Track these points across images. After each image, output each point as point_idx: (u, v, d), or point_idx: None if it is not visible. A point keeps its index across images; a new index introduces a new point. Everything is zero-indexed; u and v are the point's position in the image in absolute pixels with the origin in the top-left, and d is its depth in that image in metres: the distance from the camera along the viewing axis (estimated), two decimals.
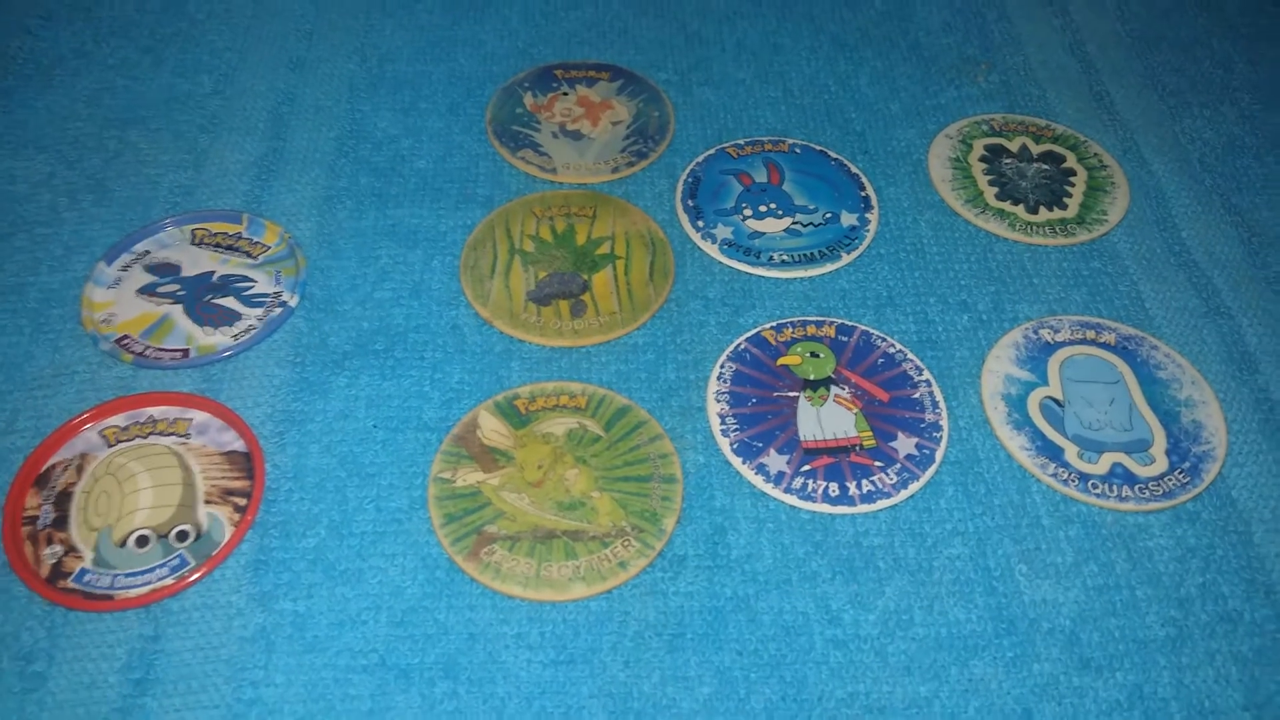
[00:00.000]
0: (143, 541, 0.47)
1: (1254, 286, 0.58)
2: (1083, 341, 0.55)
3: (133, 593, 0.46)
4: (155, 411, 0.51)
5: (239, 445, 0.50)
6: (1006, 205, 0.61)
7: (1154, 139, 0.66)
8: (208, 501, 0.48)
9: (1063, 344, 0.55)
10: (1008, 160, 0.64)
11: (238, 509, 0.48)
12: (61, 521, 0.48)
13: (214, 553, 0.47)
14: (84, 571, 0.46)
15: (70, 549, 0.47)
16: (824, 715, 0.43)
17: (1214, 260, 0.59)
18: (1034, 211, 0.61)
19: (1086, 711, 0.44)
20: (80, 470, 0.49)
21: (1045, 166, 0.64)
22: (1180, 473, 0.50)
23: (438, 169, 0.63)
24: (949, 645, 0.45)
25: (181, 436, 0.51)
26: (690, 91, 0.68)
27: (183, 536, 0.47)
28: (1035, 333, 0.55)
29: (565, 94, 0.67)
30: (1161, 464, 0.51)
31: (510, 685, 0.44)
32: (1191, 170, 0.64)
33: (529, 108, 0.66)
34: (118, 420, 0.51)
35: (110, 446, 0.50)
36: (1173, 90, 0.69)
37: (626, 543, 0.47)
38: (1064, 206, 0.62)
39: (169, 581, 0.46)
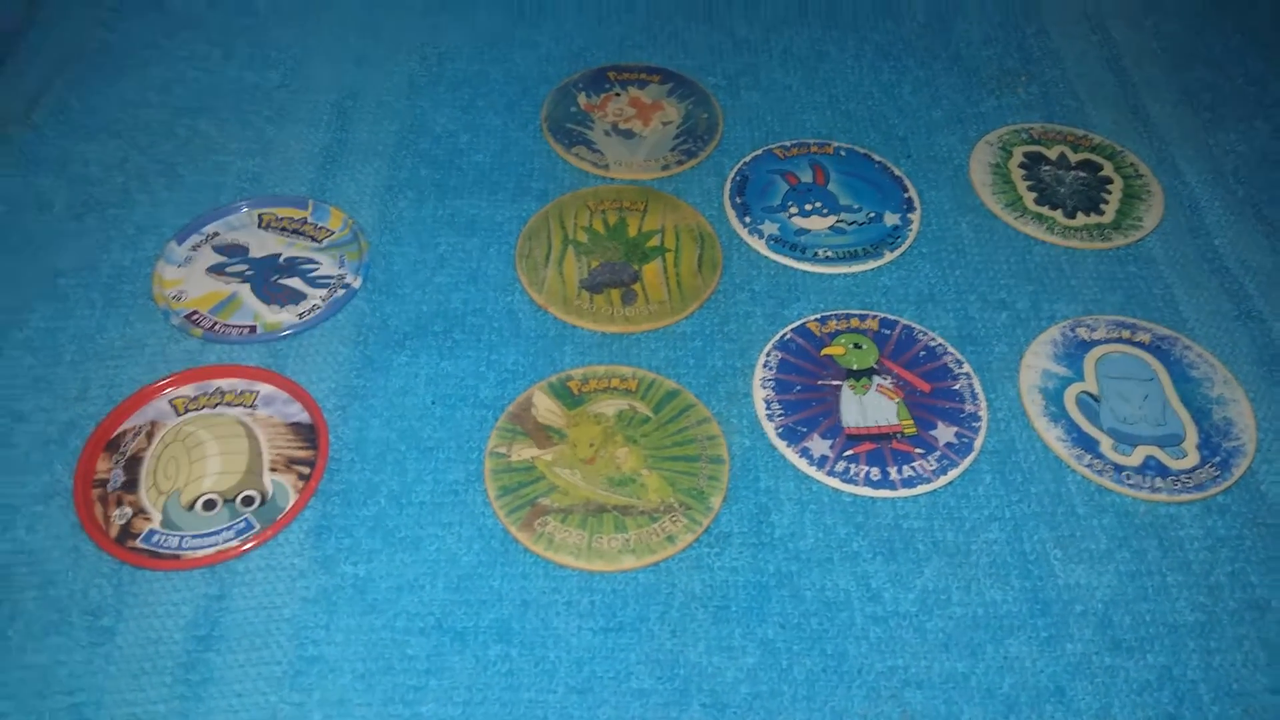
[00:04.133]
0: (210, 505, 0.49)
1: None
2: (1118, 340, 0.57)
3: (199, 553, 0.48)
4: (223, 383, 0.54)
5: (303, 417, 0.52)
6: (1045, 210, 0.63)
7: (1189, 151, 0.67)
8: (273, 469, 0.50)
9: (1099, 342, 0.57)
10: (1046, 167, 0.66)
11: (302, 477, 0.50)
12: (131, 485, 0.50)
13: (278, 517, 0.49)
14: (152, 533, 0.48)
15: (139, 511, 0.49)
16: (864, 687, 0.45)
17: (1246, 268, 0.61)
18: (1072, 216, 0.63)
19: (1118, 690, 0.45)
20: (150, 437, 0.51)
21: (1083, 174, 0.65)
22: (1211, 466, 0.52)
23: (495, 163, 0.65)
24: (985, 624, 0.47)
25: (248, 407, 0.53)
26: (738, 95, 0.70)
27: (248, 501, 0.49)
28: (1072, 331, 0.57)
29: (618, 95, 0.69)
30: (1193, 458, 0.52)
31: (561, 650, 0.45)
32: (1225, 182, 0.66)
33: (582, 107, 0.68)
34: (187, 390, 0.53)
35: (179, 415, 0.52)
36: (1207, 105, 0.71)
37: (674, 518, 0.49)
38: (1101, 212, 0.63)
39: (234, 544, 0.48)
